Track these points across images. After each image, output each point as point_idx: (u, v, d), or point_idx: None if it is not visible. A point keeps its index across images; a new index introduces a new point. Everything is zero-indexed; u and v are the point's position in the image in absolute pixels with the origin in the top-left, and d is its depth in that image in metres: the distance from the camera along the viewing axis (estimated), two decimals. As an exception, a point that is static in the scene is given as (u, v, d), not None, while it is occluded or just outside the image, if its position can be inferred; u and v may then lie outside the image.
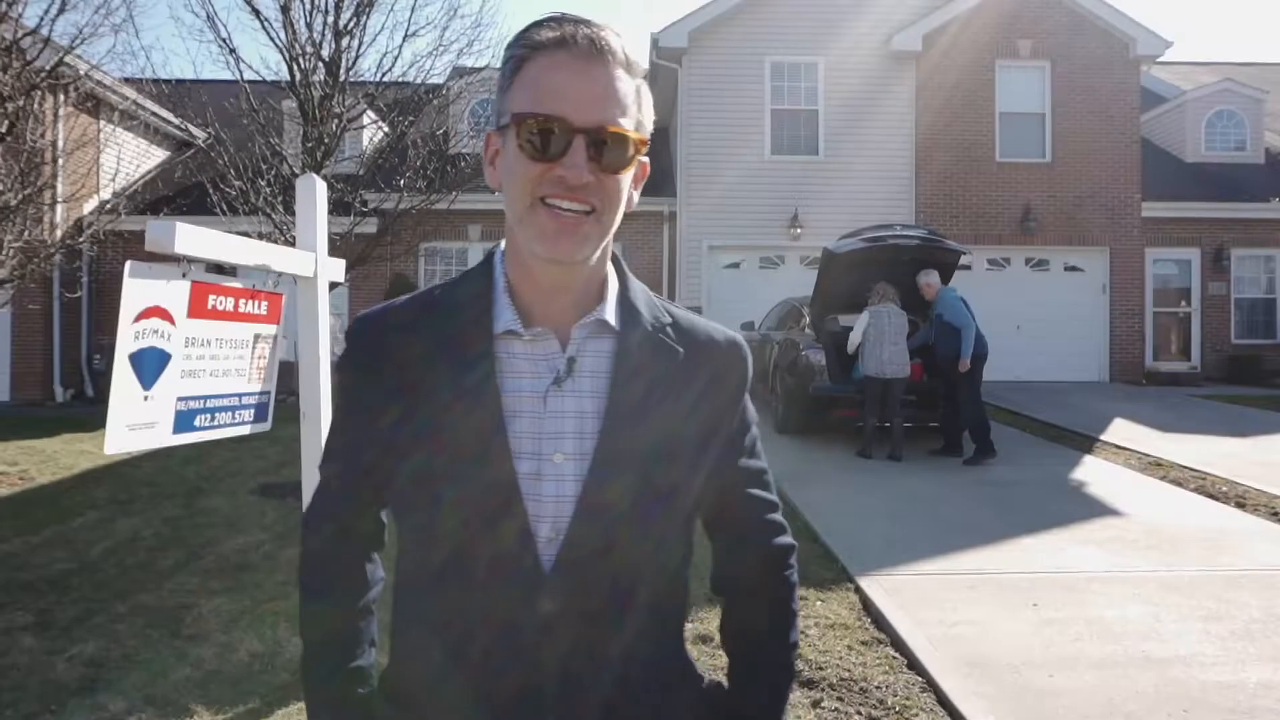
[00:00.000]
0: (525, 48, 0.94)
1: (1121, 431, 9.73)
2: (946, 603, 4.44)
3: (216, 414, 3.01)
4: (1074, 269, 15.09)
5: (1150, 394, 13.18)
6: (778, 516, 1.18)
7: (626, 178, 0.97)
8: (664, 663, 1.06)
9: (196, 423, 2.90)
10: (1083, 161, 14.76)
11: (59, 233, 11.92)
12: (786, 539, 1.18)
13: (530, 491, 0.95)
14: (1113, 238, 14.82)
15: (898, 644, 3.97)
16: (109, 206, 10.19)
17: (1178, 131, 17.24)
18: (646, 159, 1.01)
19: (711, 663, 3.34)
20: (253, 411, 3.21)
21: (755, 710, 1.12)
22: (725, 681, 1.16)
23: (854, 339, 8.44)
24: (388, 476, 1.02)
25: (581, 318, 1.00)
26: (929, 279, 8.63)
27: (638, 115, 0.96)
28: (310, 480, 3.50)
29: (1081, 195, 14.75)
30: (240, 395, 3.13)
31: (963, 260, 9.38)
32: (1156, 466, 7.89)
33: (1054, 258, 15.06)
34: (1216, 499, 6.66)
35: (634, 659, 1.00)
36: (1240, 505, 6.45)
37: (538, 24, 0.95)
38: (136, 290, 2.57)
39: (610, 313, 1.02)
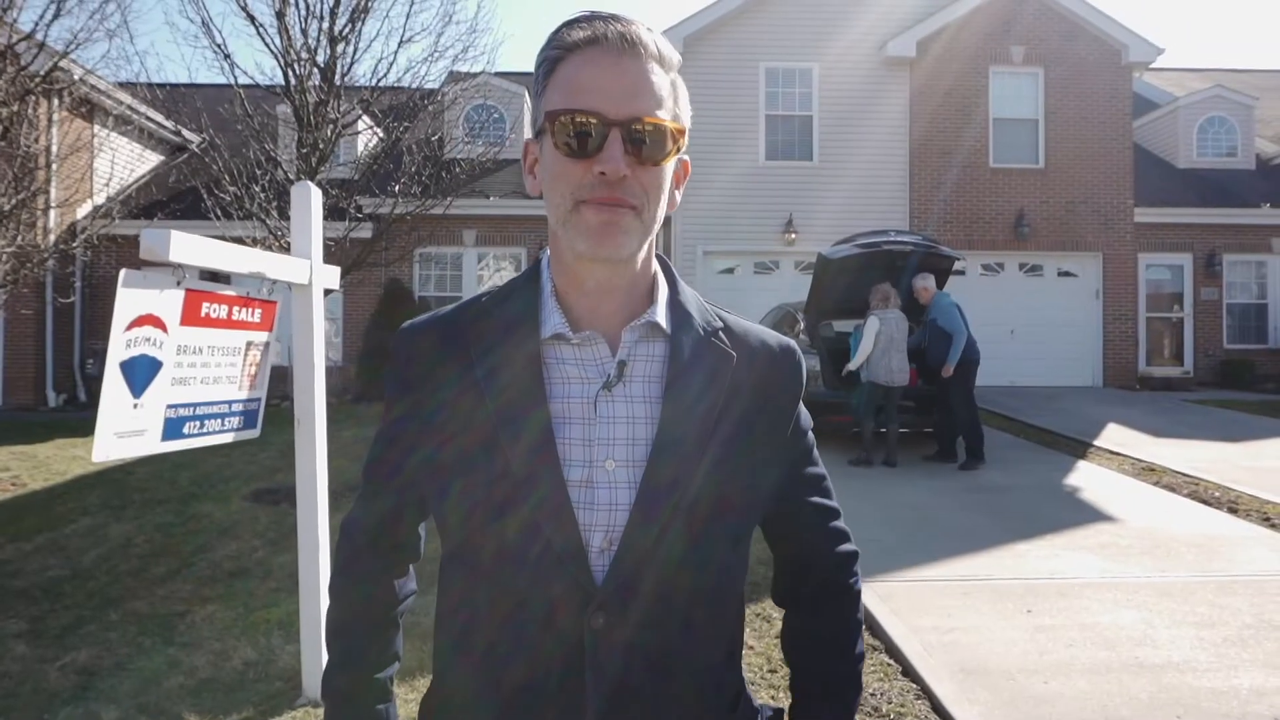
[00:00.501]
0: (558, 49, 0.94)
1: (1115, 436, 9.75)
2: (941, 609, 4.45)
3: (205, 421, 3.01)
4: (1067, 274, 15.14)
5: (1143, 399, 13.22)
6: (840, 524, 1.17)
7: (667, 171, 0.96)
8: (720, 684, 1.03)
9: (185, 430, 2.90)
10: (1076, 167, 14.82)
11: (52, 237, 11.89)
12: (850, 546, 1.17)
13: (581, 500, 0.93)
14: (1106, 243, 14.88)
15: (892, 650, 3.98)
16: (103, 211, 10.18)
17: (1170, 137, 17.32)
18: (688, 157, 1.02)
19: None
20: (241, 419, 3.21)
21: None
22: (789, 697, 1.15)
23: (866, 346, 8.24)
24: (432, 488, 1.01)
25: (631, 321, 0.99)
26: (925, 283, 8.67)
27: (674, 108, 0.96)
28: (305, 485, 3.50)
29: (1074, 201, 14.81)
30: (230, 403, 3.13)
31: (956, 265, 9.41)
32: (1150, 472, 7.92)
33: (1047, 263, 15.11)
34: (1209, 504, 6.68)
35: (689, 678, 0.98)
36: (1233, 511, 6.47)
37: (569, 24, 0.95)
38: (130, 299, 2.57)
39: (661, 315, 1.00)
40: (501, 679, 0.95)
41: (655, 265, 1.05)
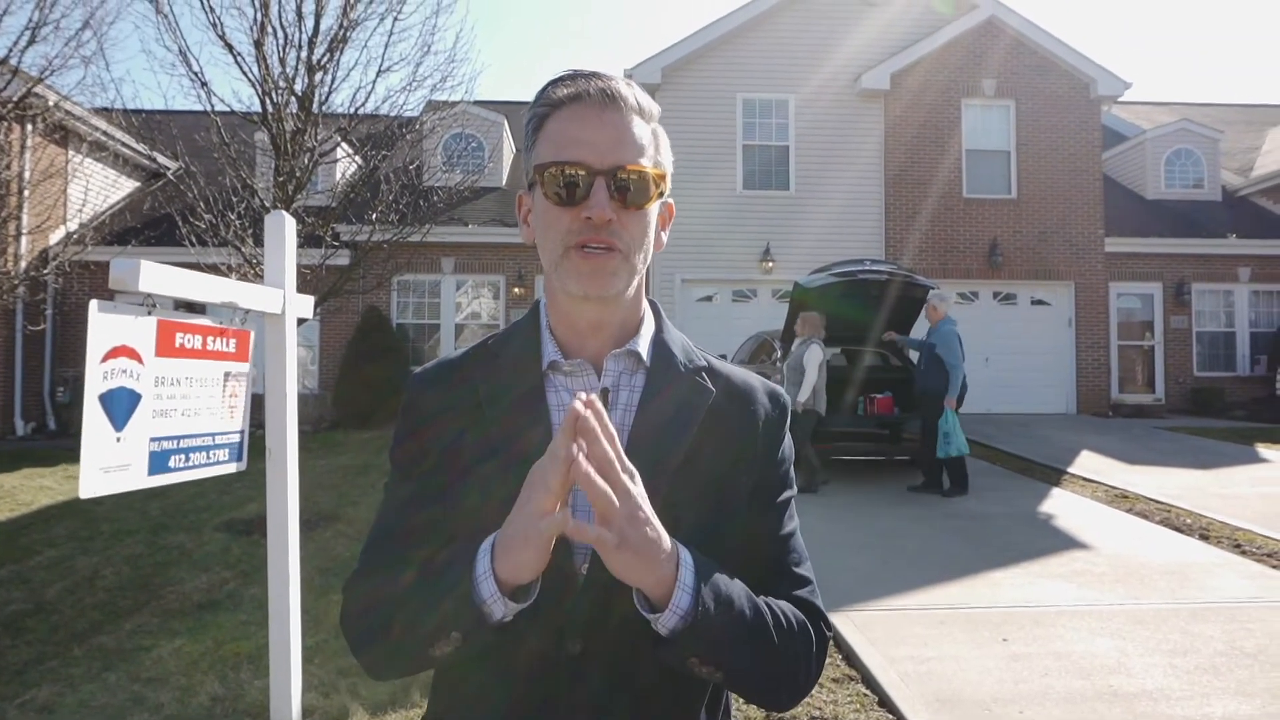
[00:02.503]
0: (545, 106, 1.01)
1: (1089, 464, 9.84)
2: (917, 638, 4.45)
3: (191, 454, 2.96)
4: (1040, 302, 15.34)
5: (1116, 426, 13.36)
6: (808, 595, 1.08)
7: (651, 214, 1.02)
8: (698, 714, 1.04)
9: (171, 464, 2.85)
10: (1047, 198, 15.07)
11: (23, 264, 11.75)
12: (819, 629, 1.05)
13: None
14: (1077, 272, 15.11)
15: (869, 681, 3.96)
16: (75, 238, 10.08)
17: (1138, 169, 17.67)
18: (672, 200, 1.08)
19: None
20: (227, 451, 3.16)
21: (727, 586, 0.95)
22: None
23: (812, 377, 8.07)
24: (441, 533, 1.03)
25: (611, 350, 1.05)
26: (940, 303, 8.51)
27: (655, 155, 1.02)
28: (276, 516, 3.45)
29: (1046, 231, 15.04)
30: (214, 435, 3.09)
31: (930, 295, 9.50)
32: (1123, 499, 7.99)
33: (1021, 291, 15.31)
34: (1181, 531, 6.74)
35: (668, 707, 1.00)
36: (1204, 537, 6.53)
37: (554, 82, 1.02)
38: (104, 331, 2.54)
39: (643, 347, 1.07)
40: (489, 704, 0.98)
41: (645, 306, 1.11)
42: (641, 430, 1.01)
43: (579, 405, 0.85)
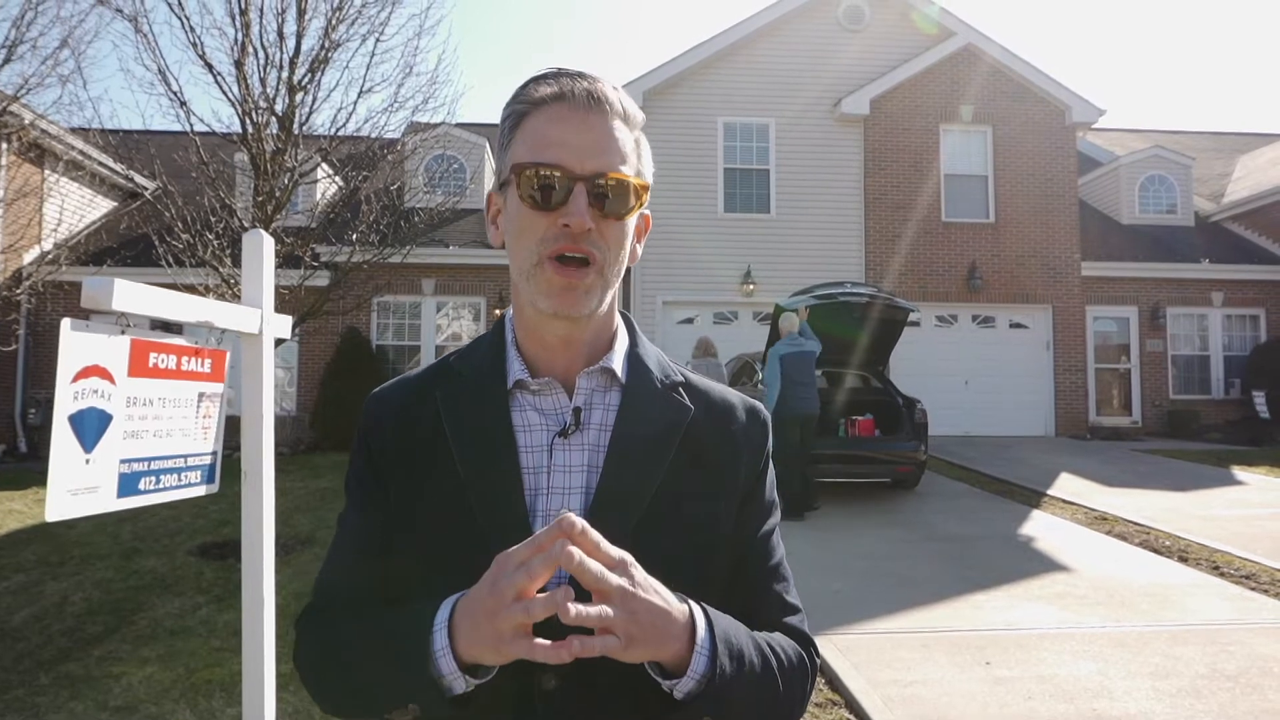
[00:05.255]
0: (525, 103, 0.95)
1: (1068, 486, 9.89)
2: (900, 662, 4.42)
3: (161, 476, 2.90)
4: (1019, 325, 15.47)
5: (1094, 448, 13.46)
6: (797, 623, 1.03)
7: (629, 225, 0.96)
8: None
9: (141, 486, 2.79)
10: (1024, 222, 15.25)
11: (-4, 284, 11.59)
12: (812, 660, 1.02)
13: None
14: (1055, 296, 15.26)
15: (852, 705, 3.93)
16: (50, 257, 9.97)
17: (1113, 194, 17.93)
18: (649, 211, 1.02)
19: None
20: (200, 473, 3.09)
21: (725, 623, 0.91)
22: None
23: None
24: (402, 558, 0.97)
25: (584, 368, 0.99)
26: (784, 322, 8.43)
27: (638, 164, 0.97)
28: (251, 540, 3.38)
29: (1024, 254, 15.20)
30: (186, 456, 3.02)
31: (911, 317, 9.56)
32: (1102, 521, 8.02)
33: (999, 315, 15.44)
34: (1160, 553, 6.77)
35: None
36: (1183, 559, 6.56)
37: (535, 80, 0.96)
38: (74, 350, 2.48)
39: (617, 363, 1.00)
40: None
41: (617, 319, 1.05)
42: (618, 451, 0.95)
43: (567, 526, 0.78)
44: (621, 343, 1.04)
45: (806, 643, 1.02)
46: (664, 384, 1.02)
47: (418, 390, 1.03)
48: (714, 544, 0.98)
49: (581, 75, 0.95)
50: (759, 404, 1.08)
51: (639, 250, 1.02)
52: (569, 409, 0.97)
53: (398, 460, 0.99)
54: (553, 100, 0.93)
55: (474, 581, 0.85)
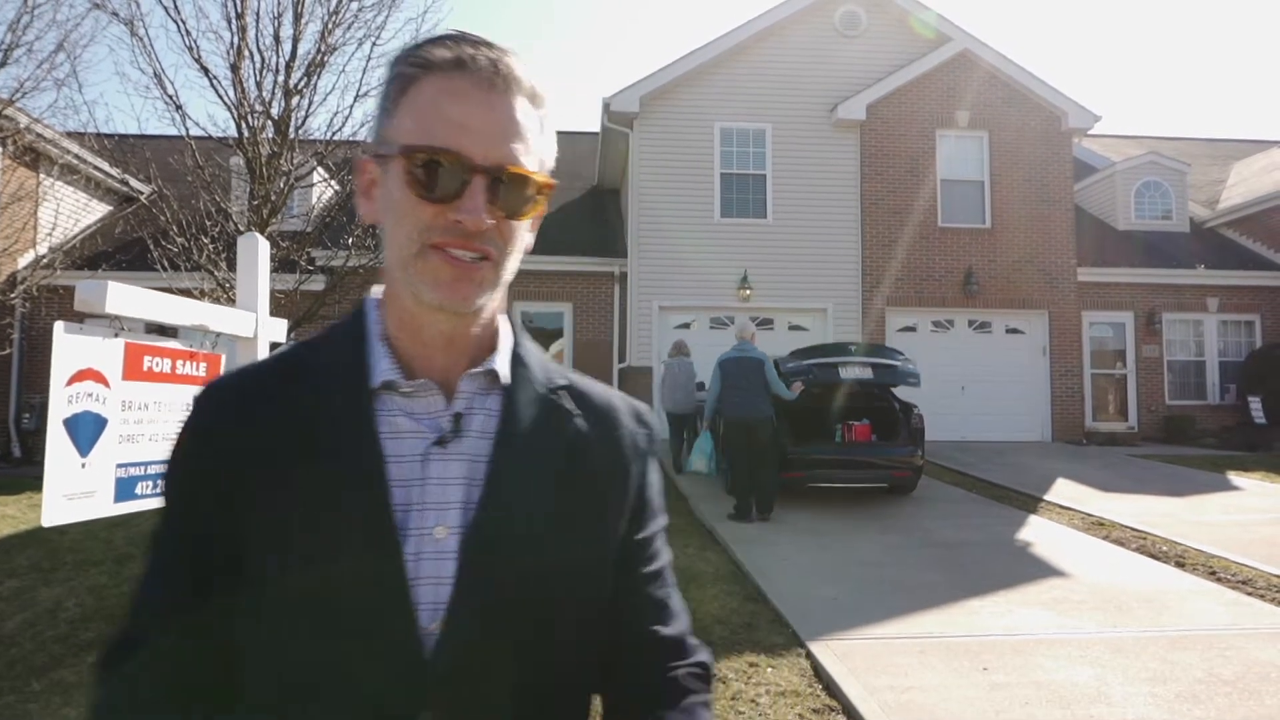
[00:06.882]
0: (416, 66, 0.81)
1: (1064, 491, 9.88)
2: (897, 667, 4.40)
3: (159, 481, 2.89)
4: (1015, 331, 15.48)
5: (1091, 453, 13.46)
6: (684, 629, 0.98)
7: (528, 221, 0.86)
8: None
9: (138, 490, 2.78)
10: (1021, 228, 15.27)
11: (-9, 288, 11.56)
12: (697, 660, 0.97)
13: (412, 576, 0.79)
14: (1051, 301, 15.27)
15: (850, 711, 3.91)
16: (45, 261, 9.94)
17: (1109, 200, 17.98)
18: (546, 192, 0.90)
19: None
20: (193, 477, 3.08)
21: None
22: None
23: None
24: (237, 583, 0.80)
25: (470, 369, 0.88)
26: (740, 330, 8.87)
27: (542, 154, 0.85)
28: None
29: (1020, 260, 15.22)
30: (179, 460, 3.01)
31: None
32: (1099, 526, 8.01)
33: (996, 320, 15.44)
34: (1157, 558, 6.77)
35: None
36: (1180, 565, 6.56)
37: (433, 41, 0.82)
38: (69, 353, 2.47)
39: (502, 365, 0.89)
40: None
41: (500, 317, 0.94)
42: (502, 459, 0.85)
43: None
44: (505, 342, 0.92)
45: (708, 671, 0.98)
46: (548, 387, 0.93)
47: (263, 384, 0.87)
48: (602, 557, 0.91)
49: (486, 43, 0.82)
50: (643, 405, 1.02)
51: (531, 240, 0.89)
52: (446, 414, 0.86)
53: (231, 475, 0.81)
54: (451, 69, 0.80)
55: (323, 606, 0.77)
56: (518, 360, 0.92)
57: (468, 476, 0.84)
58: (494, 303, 0.88)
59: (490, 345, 0.91)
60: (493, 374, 0.89)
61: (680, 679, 0.94)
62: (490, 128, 0.80)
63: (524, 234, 0.86)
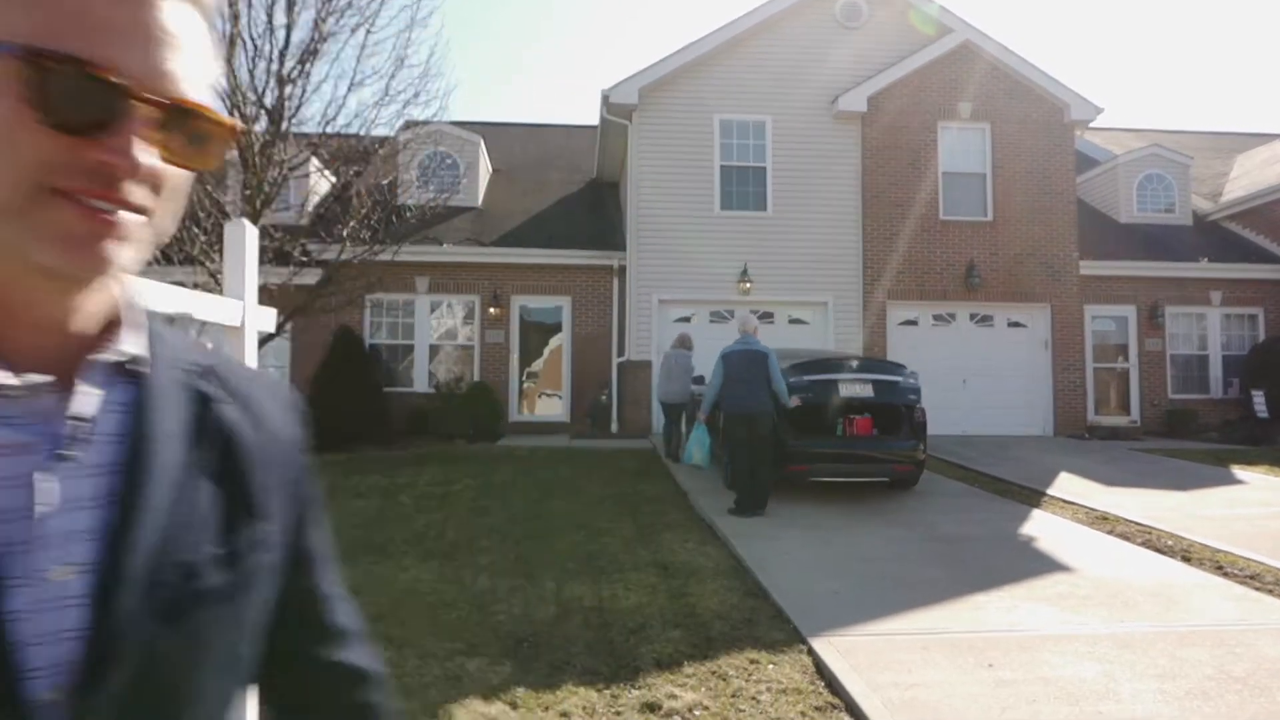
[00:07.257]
0: None
1: (1068, 485, 9.81)
2: (900, 664, 4.32)
3: None
4: (1017, 324, 15.40)
5: (1093, 447, 13.39)
6: (359, 626, 0.88)
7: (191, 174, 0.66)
8: None
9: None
10: (1023, 220, 15.17)
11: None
12: (369, 664, 0.87)
13: (28, 635, 0.56)
14: (1053, 294, 15.19)
15: (853, 709, 3.83)
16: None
17: (1111, 193, 17.88)
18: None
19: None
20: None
21: None
22: None
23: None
24: None
25: (88, 355, 0.64)
26: (741, 324, 8.92)
27: (210, 78, 0.65)
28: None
29: (1022, 253, 15.13)
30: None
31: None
32: (1103, 520, 7.93)
33: (997, 313, 15.36)
34: (1163, 553, 6.69)
35: None
36: (1186, 559, 6.48)
37: None
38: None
39: (135, 346, 0.67)
40: None
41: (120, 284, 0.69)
42: (141, 469, 0.63)
43: None
44: (136, 318, 0.68)
45: (372, 660, 0.88)
46: (187, 369, 0.72)
47: None
48: (271, 564, 0.75)
49: None
50: (283, 382, 0.87)
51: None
52: (60, 419, 0.61)
53: None
54: None
55: None
56: (155, 339, 0.70)
57: (96, 496, 0.62)
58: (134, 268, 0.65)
59: (117, 324, 0.67)
60: (125, 360, 0.66)
61: (364, 670, 0.86)
62: (153, 37, 0.58)
63: (186, 185, 0.65)
